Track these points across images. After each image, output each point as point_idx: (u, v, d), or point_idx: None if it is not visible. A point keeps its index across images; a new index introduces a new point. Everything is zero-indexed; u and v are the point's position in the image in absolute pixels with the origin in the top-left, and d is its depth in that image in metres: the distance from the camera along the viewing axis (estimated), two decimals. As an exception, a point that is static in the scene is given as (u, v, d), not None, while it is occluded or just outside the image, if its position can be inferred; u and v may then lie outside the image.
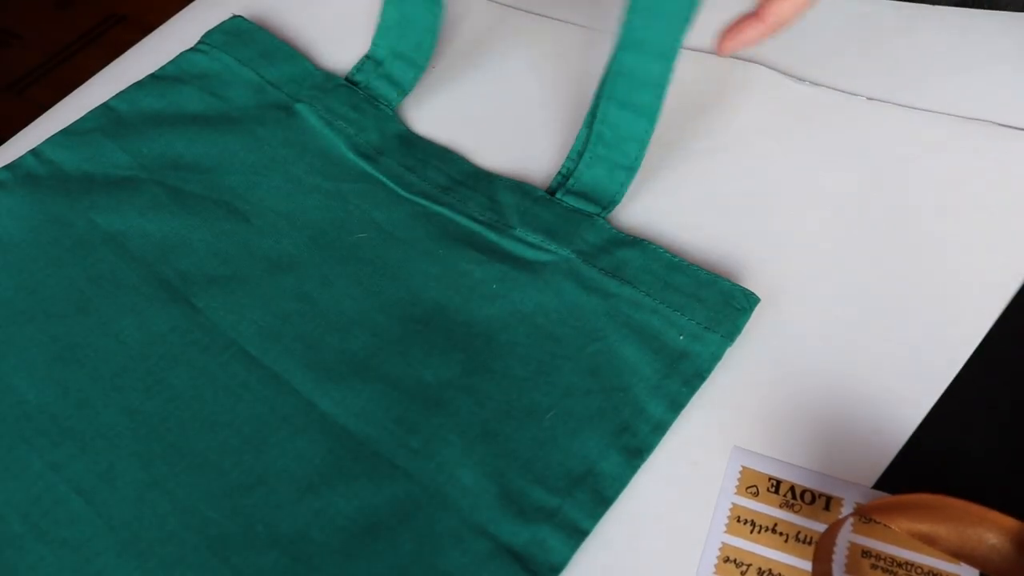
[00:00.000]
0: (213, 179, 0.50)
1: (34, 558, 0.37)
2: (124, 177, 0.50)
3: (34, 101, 1.67)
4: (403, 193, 0.48)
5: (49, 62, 1.76)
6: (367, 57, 0.55)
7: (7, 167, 0.52)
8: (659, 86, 0.43)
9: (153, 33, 0.63)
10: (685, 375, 0.39)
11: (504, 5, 0.60)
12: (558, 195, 0.47)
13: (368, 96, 0.53)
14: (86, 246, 0.47)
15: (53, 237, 0.48)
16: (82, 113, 0.54)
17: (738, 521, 0.35)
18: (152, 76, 0.56)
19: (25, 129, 0.57)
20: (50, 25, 1.84)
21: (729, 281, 0.42)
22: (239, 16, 0.59)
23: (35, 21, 1.85)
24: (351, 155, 0.50)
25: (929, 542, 0.33)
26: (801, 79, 0.51)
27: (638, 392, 0.39)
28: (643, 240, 0.44)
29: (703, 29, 0.55)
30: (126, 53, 0.62)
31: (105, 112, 0.54)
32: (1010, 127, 0.47)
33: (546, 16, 0.58)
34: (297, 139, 0.51)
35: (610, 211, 0.46)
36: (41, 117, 0.58)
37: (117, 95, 0.55)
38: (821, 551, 0.33)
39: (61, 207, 0.49)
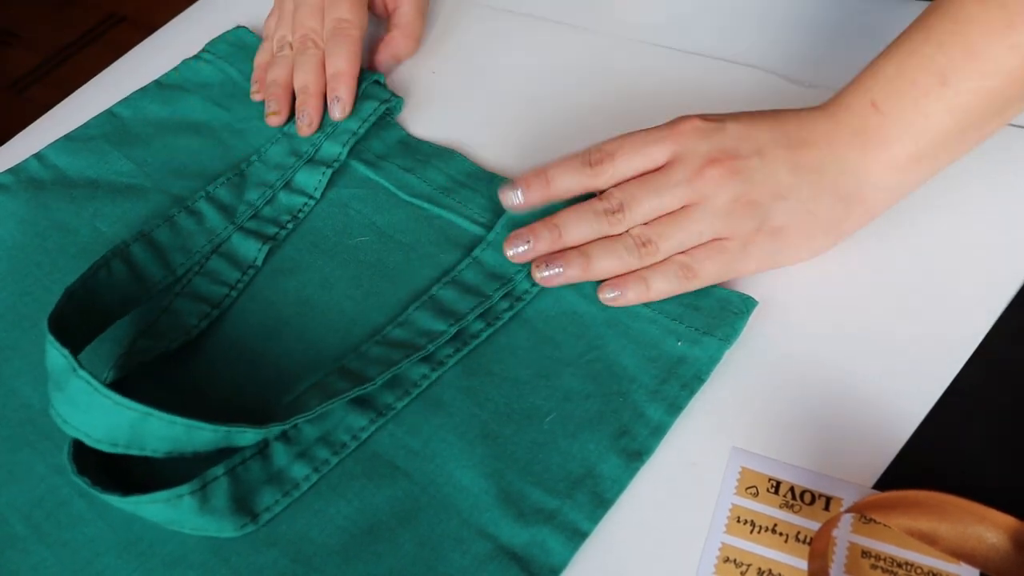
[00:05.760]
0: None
1: (36, 559, 0.37)
2: (128, 185, 0.50)
3: (34, 101, 1.68)
4: (403, 196, 0.48)
5: (49, 62, 1.76)
6: None
7: (10, 171, 0.52)
8: None
9: (154, 35, 0.64)
10: (683, 379, 0.39)
11: (500, 8, 0.60)
12: None
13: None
14: (91, 254, 0.47)
15: (58, 244, 0.48)
16: (82, 114, 0.54)
17: (738, 521, 0.35)
18: (156, 83, 0.56)
19: (25, 129, 0.57)
20: (50, 25, 1.84)
21: (725, 288, 0.42)
22: (243, 27, 0.59)
23: (35, 21, 1.85)
24: (352, 162, 0.51)
25: (929, 541, 0.33)
26: (801, 79, 0.51)
27: (637, 397, 0.39)
28: None
29: (702, 30, 0.55)
30: (127, 54, 0.62)
31: (109, 119, 0.54)
32: (1010, 125, 0.47)
33: (542, 18, 0.58)
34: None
35: None
36: (41, 117, 0.58)
37: (121, 101, 0.55)
38: (816, 550, 0.34)
39: (66, 214, 0.49)
